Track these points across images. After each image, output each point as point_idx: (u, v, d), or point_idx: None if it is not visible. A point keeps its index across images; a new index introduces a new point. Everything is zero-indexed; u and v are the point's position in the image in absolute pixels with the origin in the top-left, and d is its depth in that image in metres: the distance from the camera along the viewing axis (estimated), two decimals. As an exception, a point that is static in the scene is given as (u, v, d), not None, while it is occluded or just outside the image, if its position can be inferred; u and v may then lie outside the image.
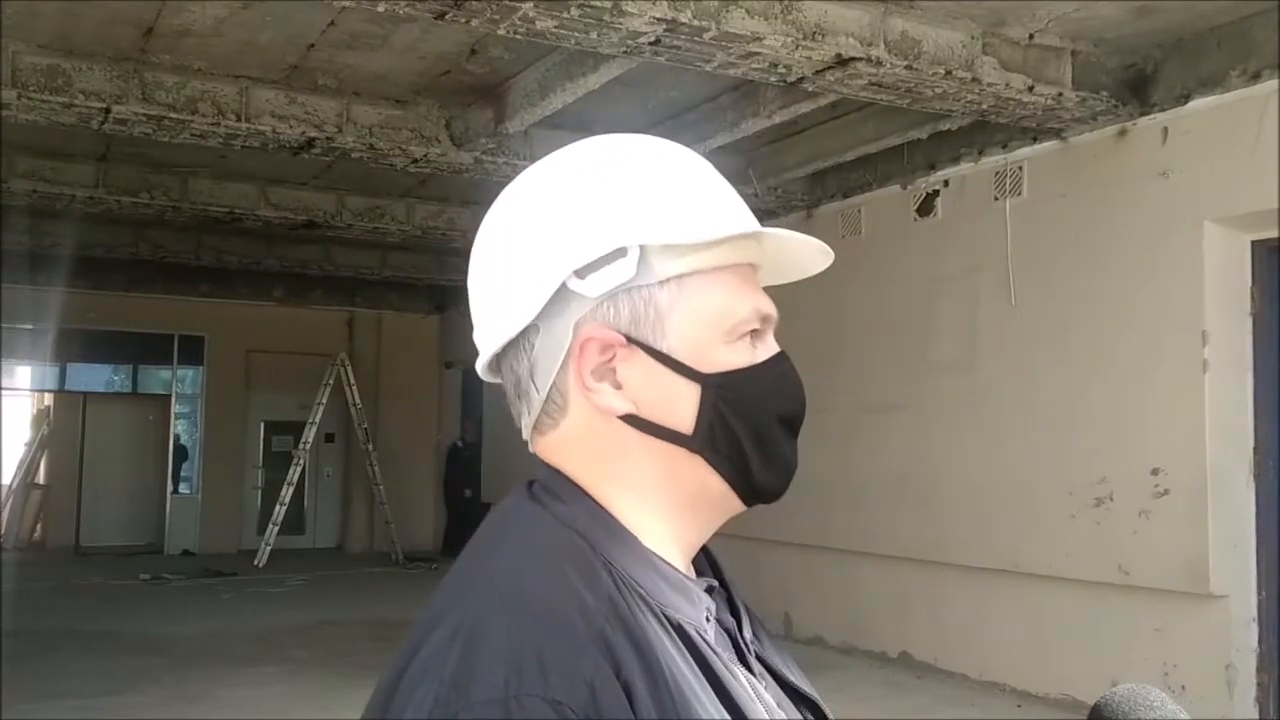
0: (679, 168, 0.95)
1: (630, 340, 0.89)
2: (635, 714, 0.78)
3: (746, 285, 0.94)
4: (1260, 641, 5.87)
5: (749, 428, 0.92)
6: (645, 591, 0.86)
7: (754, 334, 0.94)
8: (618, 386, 0.90)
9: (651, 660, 0.81)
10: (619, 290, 0.89)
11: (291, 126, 6.98)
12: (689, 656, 0.85)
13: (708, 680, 0.85)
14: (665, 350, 0.90)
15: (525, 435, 0.96)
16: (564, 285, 0.89)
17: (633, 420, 0.90)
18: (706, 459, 0.91)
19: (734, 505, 0.95)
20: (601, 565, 0.86)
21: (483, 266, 0.96)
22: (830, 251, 0.98)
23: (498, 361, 0.96)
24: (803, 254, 0.98)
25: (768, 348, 0.95)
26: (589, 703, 0.76)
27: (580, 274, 0.89)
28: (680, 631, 0.86)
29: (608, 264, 0.89)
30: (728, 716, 0.83)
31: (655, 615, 0.85)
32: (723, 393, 0.91)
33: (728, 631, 0.95)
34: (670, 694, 0.80)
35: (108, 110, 6.54)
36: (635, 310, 0.89)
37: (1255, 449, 5.98)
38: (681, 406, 0.90)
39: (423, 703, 0.77)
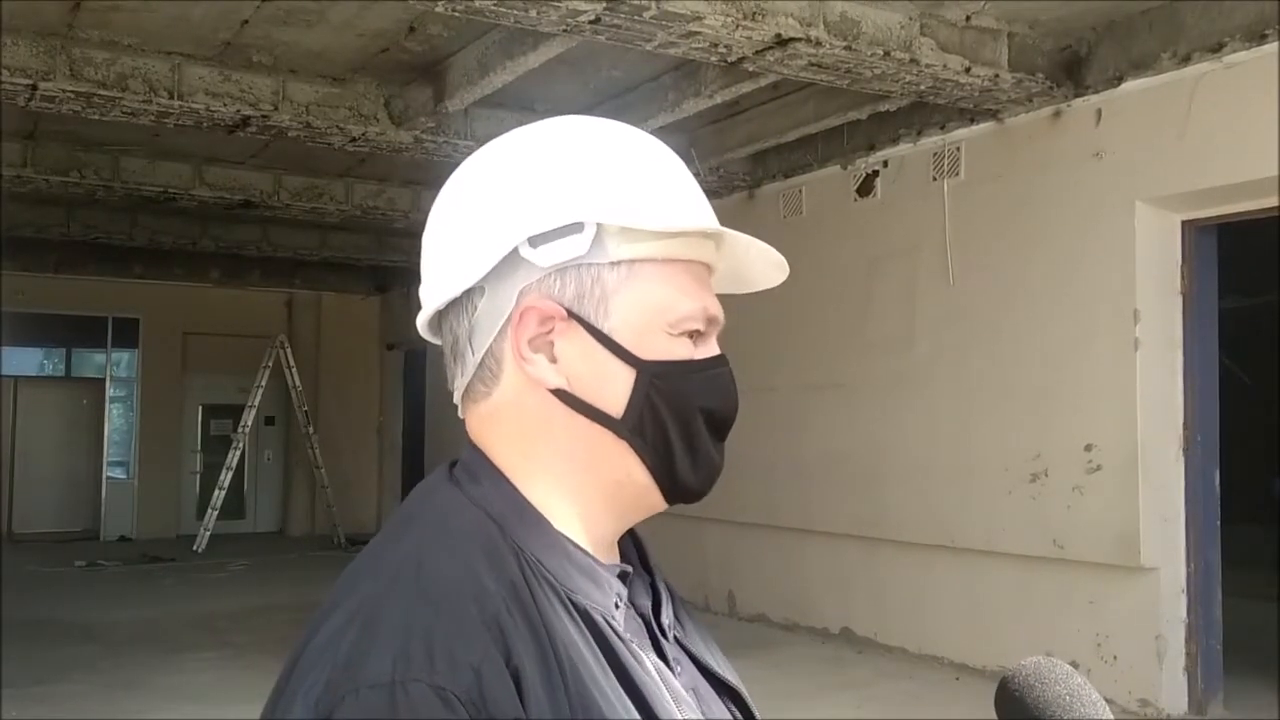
0: (648, 156, 0.95)
1: (571, 315, 0.89)
2: (523, 701, 0.77)
3: (696, 283, 0.93)
4: (1189, 612, 6.03)
5: (678, 421, 0.91)
6: (554, 577, 0.86)
7: (697, 334, 0.93)
8: (553, 360, 0.90)
9: (547, 647, 0.81)
10: (569, 265, 0.89)
11: (226, 105, 6.85)
12: (593, 643, 0.84)
13: (611, 667, 0.84)
14: (606, 331, 0.89)
15: (456, 399, 0.97)
16: (515, 251, 0.89)
17: (563, 396, 0.90)
18: (633, 446, 0.91)
19: (655, 501, 0.94)
20: (510, 550, 0.86)
21: (439, 222, 0.96)
22: (785, 266, 0.98)
23: (439, 321, 0.96)
24: (758, 265, 0.98)
25: (709, 349, 0.95)
26: (473, 688, 0.76)
27: (533, 242, 0.89)
28: (587, 618, 0.86)
29: (561, 237, 0.89)
30: (629, 702, 0.83)
31: (562, 601, 0.85)
32: (657, 382, 0.90)
33: (643, 617, 0.94)
34: (565, 680, 0.80)
35: (34, 87, 6.36)
36: (581, 287, 0.89)
37: (1185, 425, 6.12)
38: (614, 389, 0.90)
39: (315, 685, 0.77)
